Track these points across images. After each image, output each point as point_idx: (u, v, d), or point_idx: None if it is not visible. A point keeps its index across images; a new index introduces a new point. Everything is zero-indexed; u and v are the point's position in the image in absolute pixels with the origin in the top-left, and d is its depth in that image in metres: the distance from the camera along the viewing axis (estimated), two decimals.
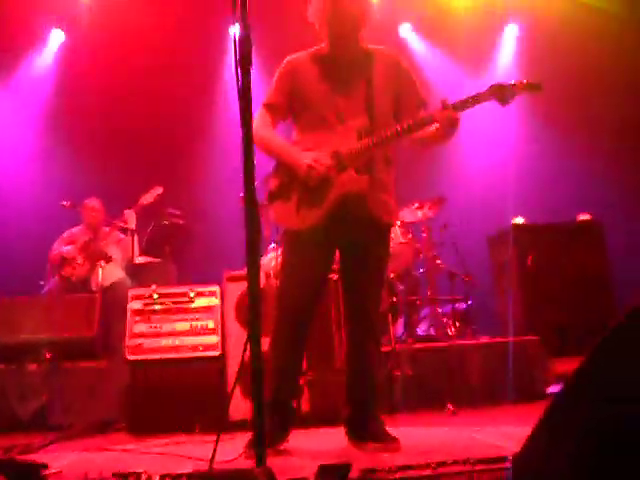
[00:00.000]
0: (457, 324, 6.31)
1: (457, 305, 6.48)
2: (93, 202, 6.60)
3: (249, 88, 2.12)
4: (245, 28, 2.08)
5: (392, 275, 6.20)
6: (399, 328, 6.31)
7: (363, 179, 3.21)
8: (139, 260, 6.59)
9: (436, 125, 3.14)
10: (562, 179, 7.31)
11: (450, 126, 3.10)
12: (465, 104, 3.10)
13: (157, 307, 4.98)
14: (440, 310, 6.39)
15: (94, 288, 6.12)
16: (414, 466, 2.32)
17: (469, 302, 6.54)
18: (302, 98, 3.38)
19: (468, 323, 6.37)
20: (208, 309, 5.03)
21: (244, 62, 2.09)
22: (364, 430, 3.33)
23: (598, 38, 7.43)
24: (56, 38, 8.20)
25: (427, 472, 2.27)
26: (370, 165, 3.24)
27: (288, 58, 3.47)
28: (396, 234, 6.39)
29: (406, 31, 8.96)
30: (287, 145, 3.39)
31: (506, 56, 8.67)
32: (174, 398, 4.68)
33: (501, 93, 3.08)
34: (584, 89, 7.54)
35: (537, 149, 7.59)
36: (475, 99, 3.10)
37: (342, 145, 3.22)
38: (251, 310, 2.16)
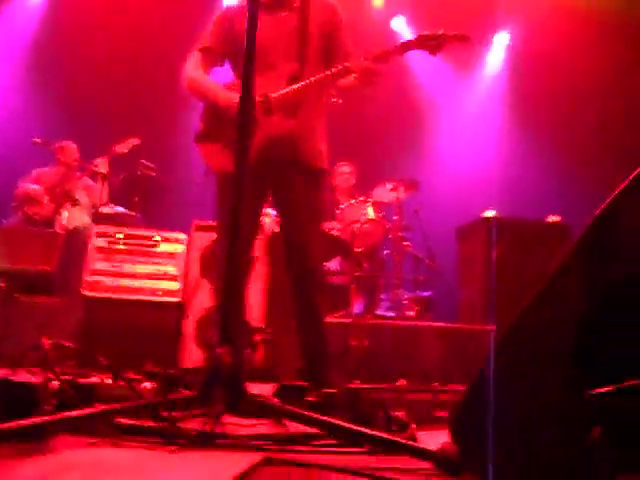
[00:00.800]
0: (417, 308, 6.33)
1: (419, 292, 6.52)
2: (70, 145, 6.49)
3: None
4: None
5: (359, 250, 6.21)
6: (359, 306, 6.33)
7: (289, 123, 3.21)
8: (106, 210, 6.49)
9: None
10: (540, 179, 7.39)
11: (367, 76, 3.17)
12: (386, 55, 3.14)
13: (120, 247, 4.92)
14: (402, 293, 6.41)
15: (57, 230, 6.00)
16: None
17: (431, 292, 6.59)
18: (236, 43, 3.35)
19: (428, 309, 6.40)
20: (172, 255, 4.99)
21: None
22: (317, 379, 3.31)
23: (580, 41, 7.53)
24: None
25: None
26: (298, 110, 3.23)
27: (226, 4, 3.49)
28: (367, 211, 6.41)
29: (399, 24, 8.98)
30: (216, 86, 3.37)
31: (495, 61, 8.76)
32: (126, 340, 4.60)
33: (429, 42, 3.12)
34: (566, 92, 7.65)
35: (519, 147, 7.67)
36: (400, 48, 3.14)
37: (272, 89, 3.22)
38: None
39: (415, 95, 8.46)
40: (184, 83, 3.40)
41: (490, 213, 6.63)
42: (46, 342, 2.00)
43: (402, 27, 8.93)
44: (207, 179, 3.49)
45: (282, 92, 3.20)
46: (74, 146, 6.52)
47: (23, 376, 1.86)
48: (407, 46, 3.14)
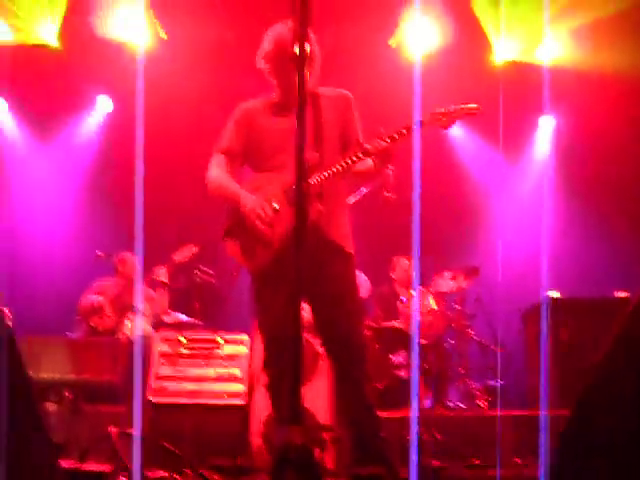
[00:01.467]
0: (489, 398, 6.12)
1: (488, 381, 6.32)
2: (130, 256, 6.66)
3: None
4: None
5: (423, 342, 6.10)
6: (427, 401, 6.15)
7: (315, 208, 3.21)
8: (167, 318, 6.57)
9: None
10: (601, 255, 7.25)
11: (384, 157, 3.27)
12: (401, 135, 3.23)
13: (184, 351, 4.91)
14: (471, 384, 6.22)
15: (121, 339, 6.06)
16: None
17: (501, 381, 6.38)
18: (256, 143, 3.45)
19: (499, 398, 6.18)
20: (236, 357, 4.95)
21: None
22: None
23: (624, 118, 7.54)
24: (103, 105, 8.48)
25: None
26: (321, 197, 3.26)
27: (242, 105, 3.57)
28: (429, 302, 6.34)
29: None
30: (236, 187, 3.43)
31: (543, 145, 8.78)
32: (193, 444, 4.53)
33: (440, 120, 3.26)
34: (623, 172, 7.60)
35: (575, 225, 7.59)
36: (410, 128, 3.24)
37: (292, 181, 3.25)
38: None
39: (467, 183, 8.49)
40: (207, 186, 3.48)
41: (555, 294, 6.47)
42: (113, 431, 1.96)
43: None
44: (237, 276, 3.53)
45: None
46: (131, 256, 6.68)
47: (92, 465, 1.82)
48: (421, 124, 3.25)
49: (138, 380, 4.29)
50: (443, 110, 3.26)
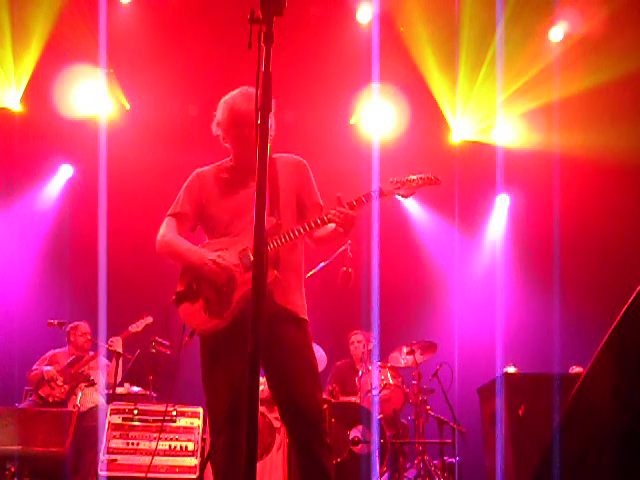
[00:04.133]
0: (446, 475, 6.04)
1: (446, 458, 6.25)
2: (83, 325, 6.56)
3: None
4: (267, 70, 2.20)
5: (380, 417, 6.04)
6: (384, 477, 6.05)
7: (271, 274, 3.13)
8: (120, 390, 6.42)
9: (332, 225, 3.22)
10: (559, 330, 7.34)
11: (346, 224, 3.17)
12: (360, 203, 3.19)
13: (137, 423, 4.80)
14: (429, 459, 6.15)
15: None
16: None
17: (458, 459, 6.33)
18: (208, 207, 3.41)
19: (456, 476, 6.11)
20: (189, 430, 4.85)
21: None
22: None
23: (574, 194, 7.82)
24: (65, 173, 8.49)
25: None
26: (276, 263, 3.21)
27: (197, 170, 3.53)
28: (386, 377, 6.31)
29: None
30: (191, 246, 3.36)
31: (498, 222, 8.99)
32: None
33: (399, 188, 3.25)
34: (577, 246, 7.81)
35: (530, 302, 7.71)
36: (370, 196, 3.21)
37: (249, 244, 3.20)
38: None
39: (424, 259, 8.62)
40: (157, 247, 3.39)
41: (510, 369, 6.51)
42: None
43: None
44: (191, 341, 3.36)
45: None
46: (86, 326, 6.58)
47: None
48: (381, 193, 3.22)
49: None
50: (403, 179, 3.26)
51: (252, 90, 3.45)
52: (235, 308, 3.15)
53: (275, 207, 3.31)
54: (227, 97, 3.46)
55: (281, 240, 3.20)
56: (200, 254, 3.26)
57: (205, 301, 3.22)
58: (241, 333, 3.01)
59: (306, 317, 3.34)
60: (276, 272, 3.18)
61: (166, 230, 3.40)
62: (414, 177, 3.29)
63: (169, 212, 3.46)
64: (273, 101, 2.45)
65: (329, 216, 3.18)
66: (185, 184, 3.49)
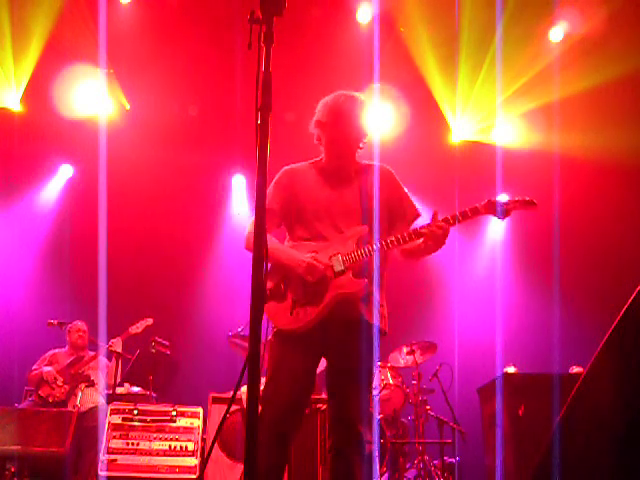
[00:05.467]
0: (446, 474, 6.04)
1: (446, 458, 6.25)
2: (79, 324, 6.56)
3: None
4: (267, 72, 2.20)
5: (380, 417, 6.04)
6: (384, 477, 6.05)
7: (360, 282, 3.20)
8: (120, 390, 6.42)
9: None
10: (559, 330, 7.34)
11: (436, 239, 3.16)
12: (457, 218, 3.18)
13: (137, 423, 4.80)
14: (428, 459, 6.15)
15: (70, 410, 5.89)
16: None
17: (458, 459, 6.32)
18: (297, 207, 3.41)
19: (456, 476, 6.11)
20: (189, 430, 4.85)
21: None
22: None
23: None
24: (65, 173, 8.50)
25: None
26: (366, 271, 3.24)
27: (286, 167, 3.54)
28: (386, 377, 6.31)
29: None
30: (284, 246, 3.40)
31: (497, 223, 8.97)
32: None
33: (497, 208, 3.22)
34: (578, 247, 7.82)
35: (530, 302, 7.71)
36: (468, 214, 3.20)
37: (342, 250, 3.24)
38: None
39: (424, 261, 8.58)
40: (246, 243, 3.39)
41: (510, 369, 6.51)
42: None
43: None
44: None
45: (353, 252, 3.23)
46: (83, 325, 6.59)
47: None
48: (477, 211, 3.21)
49: None
50: (499, 200, 3.24)
51: (354, 94, 3.51)
52: (323, 310, 3.18)
53: (367, 217, 3.31)
54: (328, 98, 3.50)
55: (373, 250, 3.22)
56: (295, 254, 3.29)
57: (293, 301, 3.25)
58: (320, 337, 3.19)
59: (386, 327, 3.36)
60: (366, 280, 3.20)
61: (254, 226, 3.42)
62: (511, 199, 3.26)
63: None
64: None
65: (423, 231, 3.17)
66: (274, 180, 3.49)
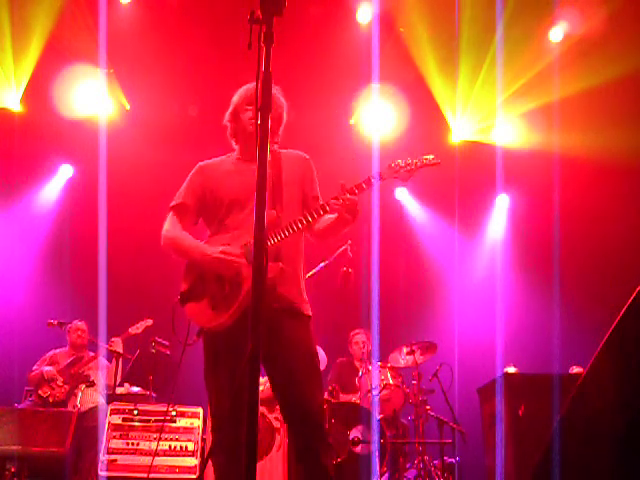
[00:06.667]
0: (446, 475, 6.04)
1: (446, 458, 6.25)
2: (79, 324, 6.56)
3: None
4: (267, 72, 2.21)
5: (380, 417, 6.04)
6: (384, 477, 6.05)
7: (274, 266, 3.10)
8: (120, 390, 6.42)
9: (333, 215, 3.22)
10: (559, 330, 7.35)
11: (350, 209, 3.14)
12: (360, 188, 3.16)
13: (137, 423, 4.80)
14: (428, 459, 6.15)
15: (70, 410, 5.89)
16: None
17: (458, 459, 6.33)
18: (212, 201, 3.38)
19: (456, 476, 6.11)
20: (189, 430, 4.85)
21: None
22: None
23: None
24: (65, 173, 8.50)
25: None
26: (278, 257, 3.18)
27: (200, 163, 3.53)
28: (386, 377, 6.31)
29: (402, 194, 9.28)
30: (195, 242, 3.33)
31: (497, 222, 8.99)
32: None
33: (399, 172, 3.25)
34: (578, 247, 7.82)
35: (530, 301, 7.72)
36: (369, 181, 3.19)
37: (251, 237, 3.19)
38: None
39: (424, 259, 8.63)
40: (162, 242, 3.38)
41: (511, 369, 6.51)
42: None
43: (405, 197, 9.22)
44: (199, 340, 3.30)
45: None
46: (82, 325, 6.59)
47: None
48: (380, 177, 3.22)
49: None
50: (401, 162, 3.26)
51: (248, 85, 3.51)
52: (242, 302, 3.10)
53: (277, 201, 3.29)
54: (241, 89, 3.50)
55: (283, 234, 3.17)
56: (204, 250, 3.24)
57: (211, 298, 3.18)
58: (245, 332, 3.09)
59: (309, 313, 3.32)
60: (281, 264, 3.14)
61: (170, 225, 3.38)
62: (413, 160, 3.28)
63: (171, 204, 3.42)
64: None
65: (331, 204, 3.16)
66: (188, 176, 3.48)
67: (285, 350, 3.16)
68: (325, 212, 3.20)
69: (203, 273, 3.24)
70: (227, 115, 3.48)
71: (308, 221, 3.20)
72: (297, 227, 3.19)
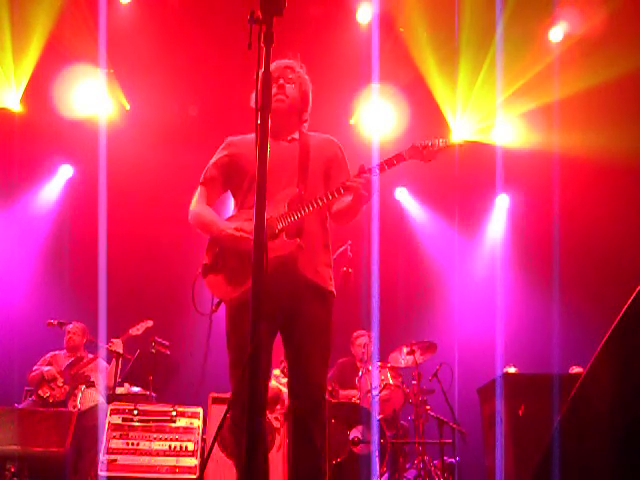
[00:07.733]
0: (446, 475, 6.04)
1: (446, 458, 6.25)
2: (70, 327, 6.56)
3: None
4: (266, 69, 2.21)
5: (380, 417, 6.03)
6: (384, 477, 6.05)
7: (292, 242, 3.18)
8: (120, 390, 6.42)
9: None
10: (559, 330, 7.35)
11: (366, 188, 3.17)
12: (382, 167, 3.22)
13: (137, 423, 4.80)
14: (428, 459, 6.14)
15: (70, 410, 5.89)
16: None
17: (458, 459, 6.32)
18: (235, 170, 3.43)
19: (456, 476, 6.11)
20: (189, 430, 4.85)
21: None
22: None
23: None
24: (64, 173, 8.50)
25: None
26: (300, 233, 3.24)
27: (230, 137, 3.57)
28: (386, 377, 6.31)
29: (402, 194, 9.29)
30: (214, 218, 3.39)
31: (497, 222, 8.99)
32: None
33: (422, 152, 3.29)
34: (578, 247, 7.82)
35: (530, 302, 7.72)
36: (393, 161, 3.24)
37: (274, 212, 3.23)
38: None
39: (424, 260, 8.63)
40: (189, 217, 3.44)
41: (511, 369, 6.51)
42: None
43: (405, 197, 9.22)
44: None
45: (284, 214, 3.23)
46: (79, 326, 6.60)
47: None
48: (401, 157, 3.26)
49: None
50: (425, 143, 3.30)
51: (278, 62, 3.57)
52: None
53: (301, 180, 3.34)
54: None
55: (304, 210, 3.21)
56: (220, 226, 3.29)
57: (229, 271, 3.24)
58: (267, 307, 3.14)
59: (333, 289, 3.37)
60: (299, 240, 3.19)
61: (196, 200, 3.44)
62: (435, 141, 3.31)
63: (200, 180, 3.49)
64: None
65: (349, 183, 3.19)
66: (218, 150, 3.54)
67: (300, 325, 3.24)
68: (346, 190, 3.22)
69: (223, 248, 3.29)
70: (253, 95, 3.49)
71: (328, 199, 3.23)
72: (317, 204, 3.22)
